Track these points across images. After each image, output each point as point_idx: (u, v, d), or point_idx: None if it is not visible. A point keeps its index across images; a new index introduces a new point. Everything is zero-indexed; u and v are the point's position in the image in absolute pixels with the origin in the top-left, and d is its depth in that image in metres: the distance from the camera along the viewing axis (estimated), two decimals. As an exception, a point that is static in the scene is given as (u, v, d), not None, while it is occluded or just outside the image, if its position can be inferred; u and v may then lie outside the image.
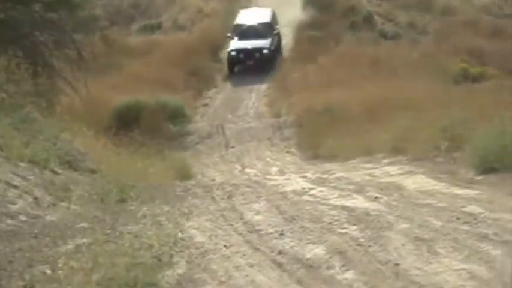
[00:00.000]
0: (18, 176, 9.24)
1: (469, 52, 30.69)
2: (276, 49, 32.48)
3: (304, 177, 13.80)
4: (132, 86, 26.18)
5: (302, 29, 34.71)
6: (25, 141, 10.50)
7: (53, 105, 13.77)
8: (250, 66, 31.40)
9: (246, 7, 36.81)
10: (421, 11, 36.08)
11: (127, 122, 22.51)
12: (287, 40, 34.04)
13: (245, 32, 31.96)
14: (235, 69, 31.77)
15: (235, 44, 31.59)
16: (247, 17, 33.40)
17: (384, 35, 34.61)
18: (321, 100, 24.15)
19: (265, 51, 31.39)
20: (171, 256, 6.99)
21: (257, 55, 31.27)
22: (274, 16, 33.49)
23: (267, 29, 32.23)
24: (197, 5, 38.41)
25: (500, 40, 31.76)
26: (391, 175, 12.35)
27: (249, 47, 31.28)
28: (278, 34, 33.10)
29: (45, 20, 16.80)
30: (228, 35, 32.32)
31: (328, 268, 6.53)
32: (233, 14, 34.60)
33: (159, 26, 37.10)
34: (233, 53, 31.36)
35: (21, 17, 15.85)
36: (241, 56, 31.35)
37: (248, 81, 30.72)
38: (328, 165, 16.69)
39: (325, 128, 21.09)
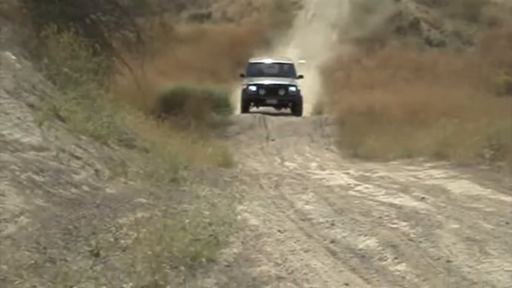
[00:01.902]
0: (80, 148, 9.57)
1: (514, 65, 30.66)
2: (300, 96, 26.83)
3: (348, 173, 14.04)
4: (178, 72, 26.48)
5: (347, 30, 34.88)
6: (86, 116, 10.84)
7: (109, 85, 14.10)
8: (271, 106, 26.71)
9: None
10: (468, 20, 36.07)
11: (171, 107, 22.72)
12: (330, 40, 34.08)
13: (264, 70, 27.49)
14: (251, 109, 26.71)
15: (254, 79, 26.58)
16: (266, 58, 29.07)
17: (429, 42, 34.70)
18: (363, 100, 24.27)
19: (291, 88, 26.37)
20: (227, 236, 7.17)
21: (281, 93, 26.46)
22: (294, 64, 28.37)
23: (291, 70, 27.59)
24: (247, -2, 38.74)
25: (546, 56, 31.63)
26: (435, 178, 12.55)
27: (273, 82, 26.48)
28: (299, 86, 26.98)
29: (108, 0, 17.17)
30: (242, 73, 27.39)
31: (380, 259, 6.70)
32: (283, 9, 34.58)
33: (208, 16, 37.42)
34: (252, 88, 26.18)
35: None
36: (262, 92, 26.28)
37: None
38: (369, 165, 16.82)
39: (366, 128, 21.13)
